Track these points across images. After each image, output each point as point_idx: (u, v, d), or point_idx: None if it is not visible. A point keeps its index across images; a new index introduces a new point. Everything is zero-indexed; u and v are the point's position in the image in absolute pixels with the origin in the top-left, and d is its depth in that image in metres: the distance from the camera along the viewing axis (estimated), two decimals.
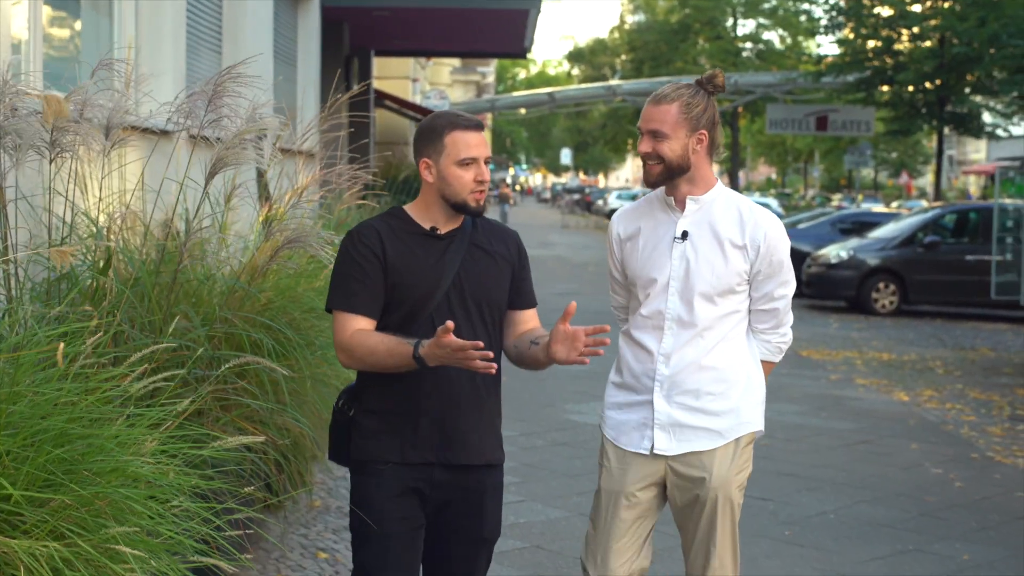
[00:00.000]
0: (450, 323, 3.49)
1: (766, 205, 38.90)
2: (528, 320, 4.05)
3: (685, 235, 4.15)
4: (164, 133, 6.82)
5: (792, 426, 10.59)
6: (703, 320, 4.13)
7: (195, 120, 5.57)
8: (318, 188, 7.44)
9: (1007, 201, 15.87)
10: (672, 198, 4.20)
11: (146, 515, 3.36)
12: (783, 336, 4.33)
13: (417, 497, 3.87)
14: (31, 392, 3.44)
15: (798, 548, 7.04)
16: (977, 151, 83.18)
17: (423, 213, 3.90)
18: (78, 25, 7.83)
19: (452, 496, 3.92)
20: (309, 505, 7.10)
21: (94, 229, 5.51)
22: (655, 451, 4.18)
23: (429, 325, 3.77)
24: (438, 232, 3.88)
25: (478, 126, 3.85)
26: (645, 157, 4.11)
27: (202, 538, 3.48)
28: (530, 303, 4.08)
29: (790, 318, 4.34)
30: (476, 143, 3.81)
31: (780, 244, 4.17)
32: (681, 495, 4.22)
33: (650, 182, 4.16)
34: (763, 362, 4.34)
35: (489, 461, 3.98)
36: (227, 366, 4.48)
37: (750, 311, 4.26)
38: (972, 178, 77.31)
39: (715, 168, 4.28)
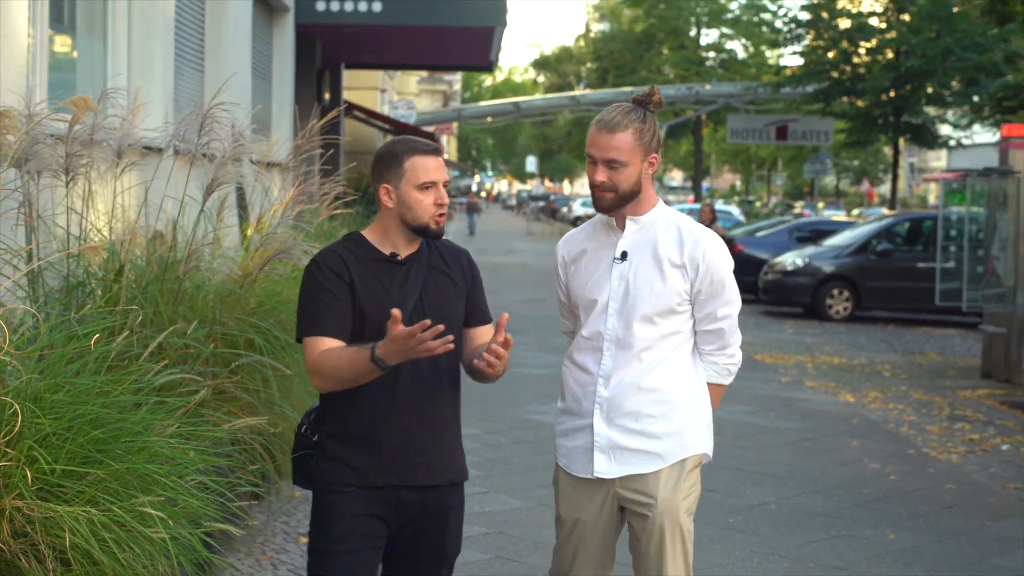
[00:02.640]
0: (396, 311, 3.49)
1: (728, 212, 39.17)
2: (483, 335, 4.02)
3: (624, 255, 4.10)
4: (158, 151, 7.39)
5: (741, 424, 11.22)
6: (641, 341, 4.06)
7: (188, 142, 6.17)
8: (296, 202, 7.99)
9: (953, 210, 16.59)
10: (613, 219, 4.13)
11: (168, 487, 3.98)
12: (730, 357, 4.22)
13: (381, 516, 3.87)
14: (67, 383, 4.05)
15: (739, 534, 7.66)
16: (938, 159, 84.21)
17: (382, 238, 3.89)
18: (74, 50, 8.38)
19: (416, 515, 3.91)
20: (290, 495, 7.68)
21: (106, 241, 6.09)
22: (595, 474, 4.13)
23: None
24: (398, 257, 3.87)
25: (436, 151, 3.86)
26: (598, 187, 4.02)
27: (215, 507, 4.09)
28: (485, 319, 4.06)
29: (737, 338, 4.24)
30: (435, 167, 3.83)
31: (720, 263, 4.09)
32: (634, 520, 4.15)
33: (603, 208, 4.08)
34: (712, 385, 4.25)
35: (452, 480, 3.97)
36: (236, 363, 5.05)
37: (695, 332, 4.17)
38: (933, 186, 78.33)
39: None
